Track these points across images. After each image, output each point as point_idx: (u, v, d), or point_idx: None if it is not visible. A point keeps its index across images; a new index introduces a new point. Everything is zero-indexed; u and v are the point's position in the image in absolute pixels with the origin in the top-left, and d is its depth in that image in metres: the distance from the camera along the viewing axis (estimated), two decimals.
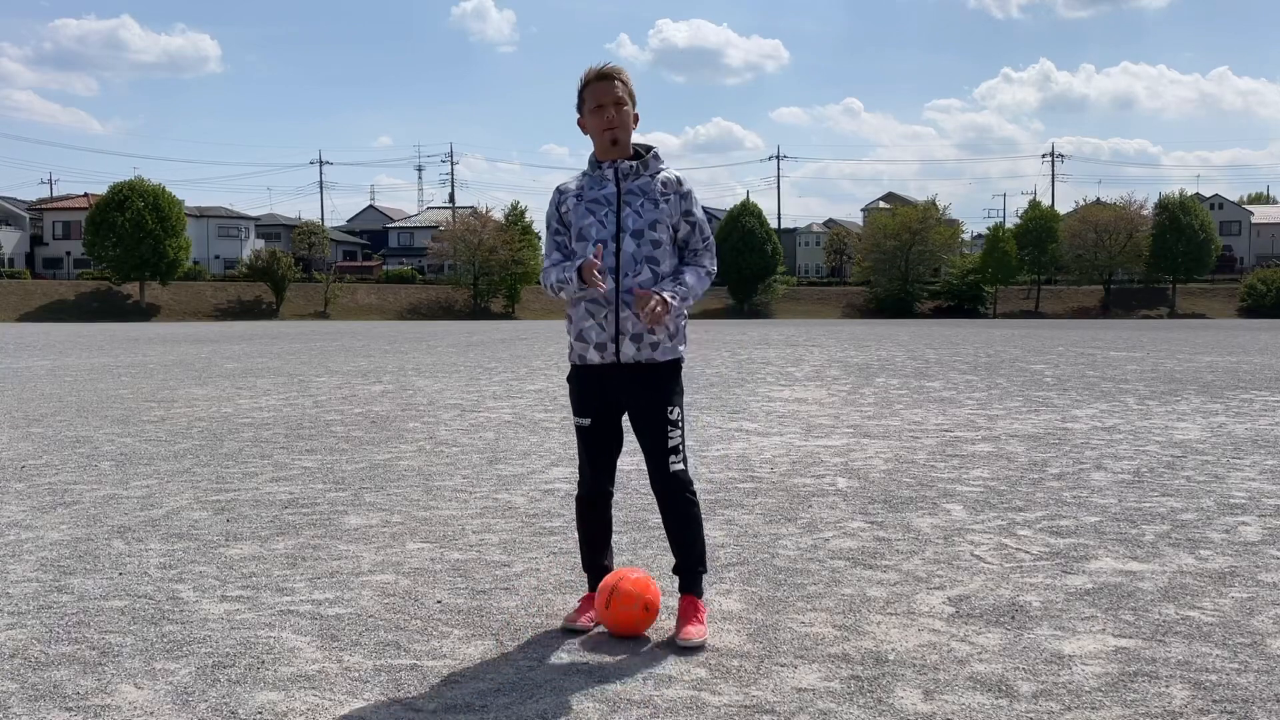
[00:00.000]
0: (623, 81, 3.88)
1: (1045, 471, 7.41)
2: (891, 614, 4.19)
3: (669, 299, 3.80)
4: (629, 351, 3.88)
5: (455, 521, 5.86)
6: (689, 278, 3.94)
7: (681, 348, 3.98)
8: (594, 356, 3.92)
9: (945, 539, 5.43)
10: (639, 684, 3.49)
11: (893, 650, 3.77)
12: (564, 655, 3.75)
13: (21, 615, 4.19)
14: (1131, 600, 4.36)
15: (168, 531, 5.63)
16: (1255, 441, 8.87)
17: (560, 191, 4.03)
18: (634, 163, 3.91)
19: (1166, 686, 3.43)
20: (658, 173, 3.95)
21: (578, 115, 3.96)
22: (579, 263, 3.82)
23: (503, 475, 7.32)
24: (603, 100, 3.85)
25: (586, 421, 4.01)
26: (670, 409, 3.93)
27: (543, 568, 4.89)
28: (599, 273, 3.77)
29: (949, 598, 4.40)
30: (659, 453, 3.93)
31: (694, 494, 4.03)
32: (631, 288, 3.85)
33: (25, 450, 8.56)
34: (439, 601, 4.37)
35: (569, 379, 4.08)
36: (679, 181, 3.96)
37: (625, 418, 4.04)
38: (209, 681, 3.48)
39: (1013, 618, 4.13)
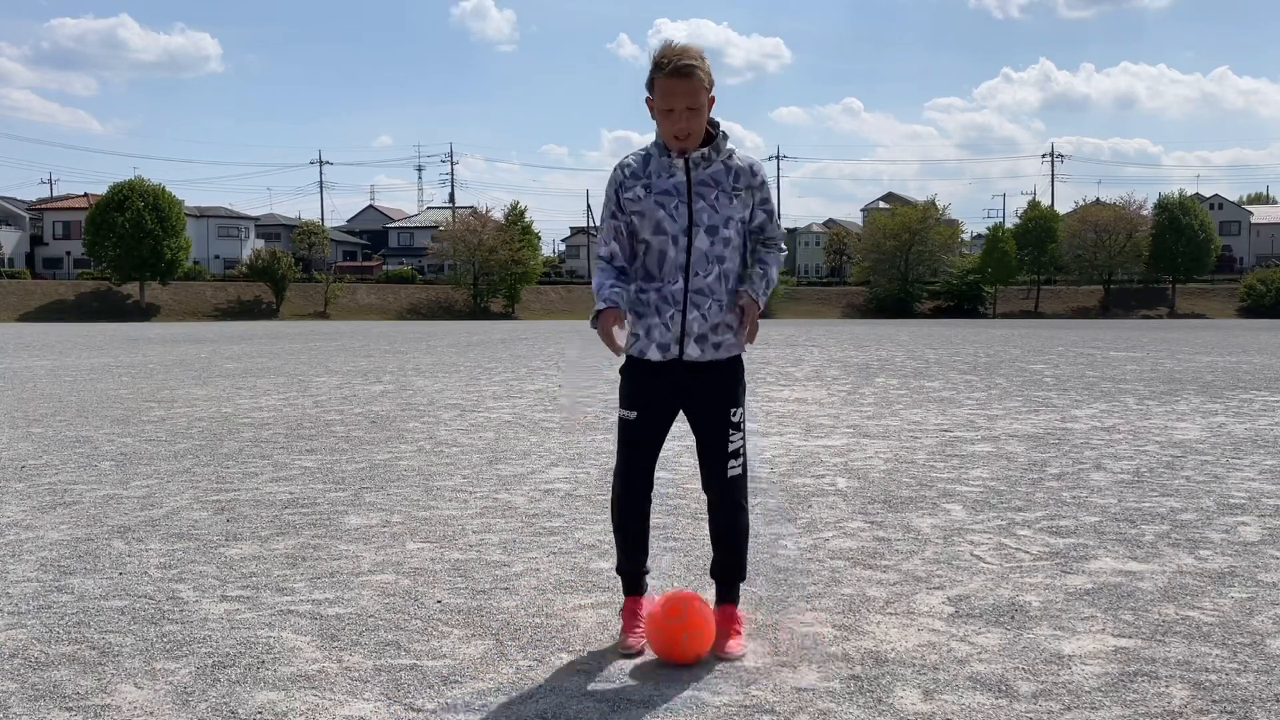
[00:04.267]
0: (699, 77, 3.51)
1: (1045, 471, 7.41)
2: (891, 614, 4.19)
3: (759, 298, 3.70)
4: (693, 353, 3.70)
5: (455, 521, 5.86)
6: (774, 272, 3.78)
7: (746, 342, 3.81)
8: (655, 354, 3.72)
9: (945, 539, 5.43)
10: (639, 684, 3.49)
11: (893, 650, 3.77)
12: (564, 655, 3.75)
13: (21, 615, 4.19)
14: (1131, 600, 4.36)
15: (168, 531, 5.63)
16: (1255, 441, 8.87)
17: (623, 171, 3.72)
18: (705, 150, 3.64)
19: (1166, 686, 3.43)
20: (730, 157, 3.68)
21: (646, 94, 3.59)
22: (603, 308, 3.66)
23: (503, 475, 7.32)
24: (675, 103, 3.52)
25: (633, 415, 3.77)
26: (733, 410, 3.76)
27: (543, 568, 4.90)
28: (614, 334, 3.68)
29: (949, 598, 4.40)
30: (717, 456, 3.76)
31: (747, 501, 3.87)
32: (703, 288, 3.65)
33: (25, 450, 8.55)
34: (439, 601, 4.37)
35: (621, 370, 3.84)
36: (752, 171, 3.70)
37: (678, 418, 3.87)
38: (209, 681, 3.48)
39: (1012, 618, 4.13)
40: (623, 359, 3.84)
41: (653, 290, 3.72)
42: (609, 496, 3.94)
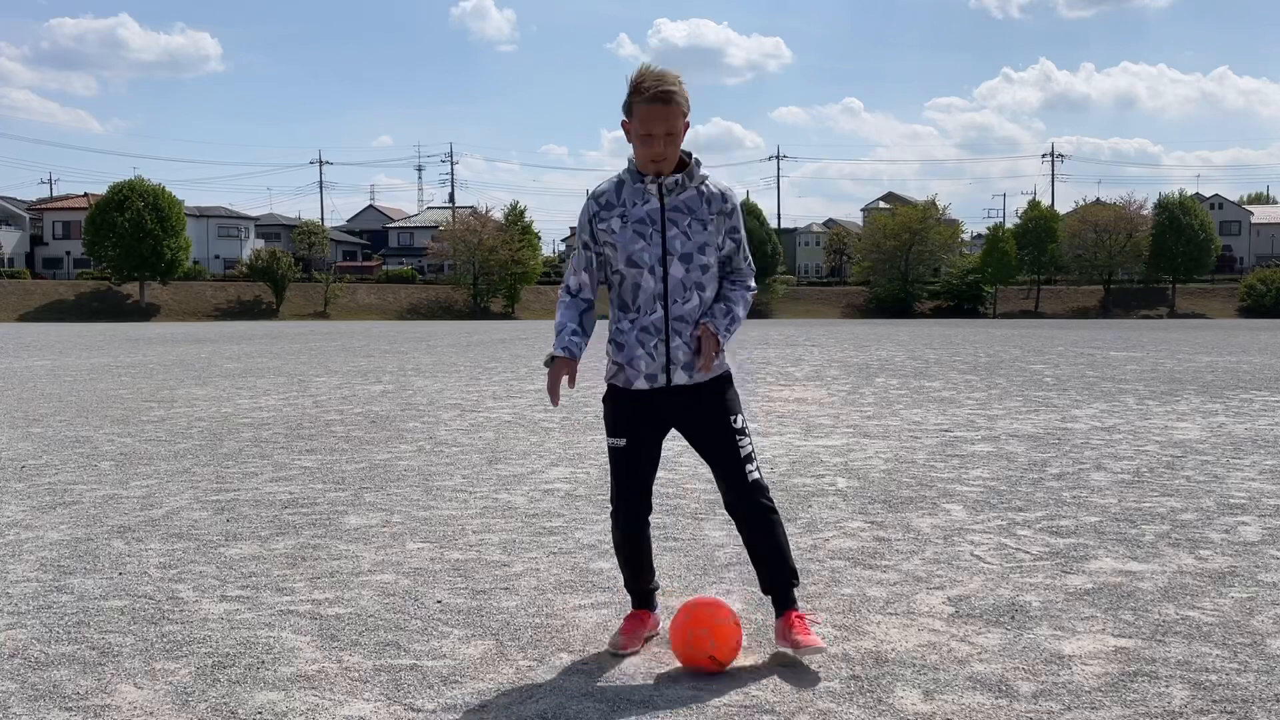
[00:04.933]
0: (679, 103, 3.52)
1: (1045, 471, 7.41)
2: (891, 614, 4.19)
3: (719, 333, 3.65)
4: (680, 379, 3.67)
5: (455, 521, 5.87)
6: (740, 310, 3.73)
7: (726, 359, 3.80)
8: (642, 384, 3.67)
9: (945, 539, 5.43)
10: (639, 684, 3.49)
11: (893, 650, 3.77)
12: (564, 655, 3.75)
13: (21, 615, 4.19)
14: (1131, 600, 4.36)
15: (168, 531, 5.63)
16: (1255, 441, 8.87)
17: (596, 202, 3.69)
18: (679, 176, 3.61)
19: (1166, 686, 3.43)
20: (702, 183, 3.67)
21: (624, 116, 3.60)
22: (556, 354, 3.69)
23: (503, 475, 7.32)
24: (654, 129, 3.51)
25: (622, 442, 3.74)
26: (733, 418, 3.72)
27: (543, 568, 4.90)
28: (551, 395, 3.74)
29: (949, 598, 4.40)
30: (734, 466, 3.71)
31: (773, 501, 3.81)
32: (683, 315, 3.64)
33: (25, 450, 8.55)
34: (439, 601, 4.37)
35: (606, 399, 3.80)
36: (723, 198, 3.67)
37: (668, 439, 3.83)
38: (209, 681, 3.48)
39: (1013, 618, 4.13)
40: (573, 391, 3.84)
41: (627, 320, 3.69)
42: (609, 521, 3.93)
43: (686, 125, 3.61)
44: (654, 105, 3.50)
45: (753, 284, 3.84)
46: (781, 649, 3.72)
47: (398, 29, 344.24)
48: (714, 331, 3.66)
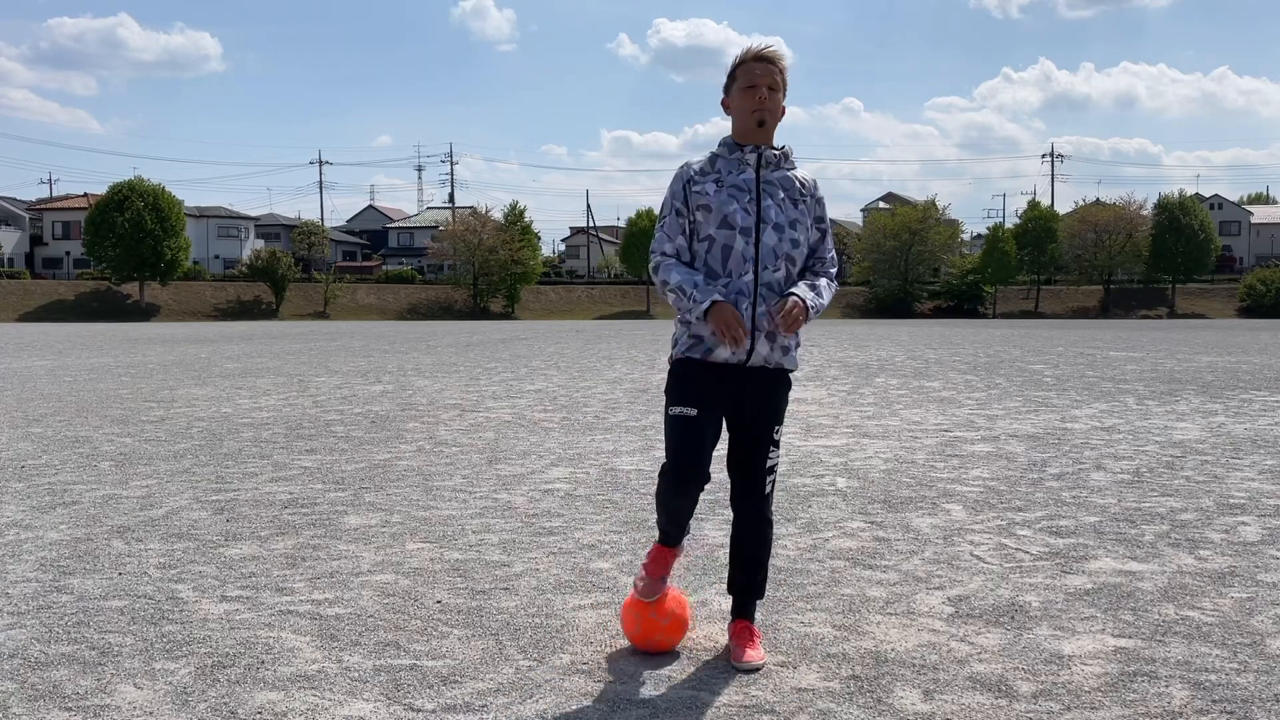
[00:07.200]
0: (780, 69, 3.74)
1: (1045, 471, 7.41)
2: (891, 614, 4.19)
3: (809, 305, 3.65)
4: (762, 351, 3.65)
5: (455, 521, 5.86)
6: (825, 294, 3.75)
7: (800, 355, 3.83)
8: (723, 354, 3.63)
9: (945, 539, 5.43)
10: (639, 684, 3.49)
11: (892, 650, 3.77)
12: (564, 655, 3.75)
13: (21, 615, 4.19)
14: (1131, 600, 4.36)
15: (167, 531, 5.63)
16: (1255, 441, 8.87)
17: (690, 168, 3.75)
18: (777, 152, 3.74)
19: (1166, 686, 3.43)
20: (794, 169, 3.80)
21: (723, 95, 3.80)
22: (714, 300, 3.54)
23: (502, 475, 7.32)
24: (757, 80, 3.69)
25: (693, 411, 3.63)
26: (777, 428, 3.78)
27: (542, 568, 4.90)
28: (737, 332, 3.54)
29: (949, 598, 4.40)
30: (755, 471, 3.76)
31: (773, 516, 3.87)
32: (771, 283, 3.64)
33: (25, 450, 8.55)
34: (439, 601, 4.37)
35: (674, 371, 3.72)
36: (815, 185, 3.82)
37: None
38: (209, 681, 3.48)
39: (1012, 618, 4.13)
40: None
41: (719, 287, 3.63)
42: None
43: (783, 110, 3.77)
44: (758, 63, 3.72)
45: (834, 273, 3.87)
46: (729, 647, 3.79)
47: (397, 29, 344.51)
48: (800, 297, 3.63)
